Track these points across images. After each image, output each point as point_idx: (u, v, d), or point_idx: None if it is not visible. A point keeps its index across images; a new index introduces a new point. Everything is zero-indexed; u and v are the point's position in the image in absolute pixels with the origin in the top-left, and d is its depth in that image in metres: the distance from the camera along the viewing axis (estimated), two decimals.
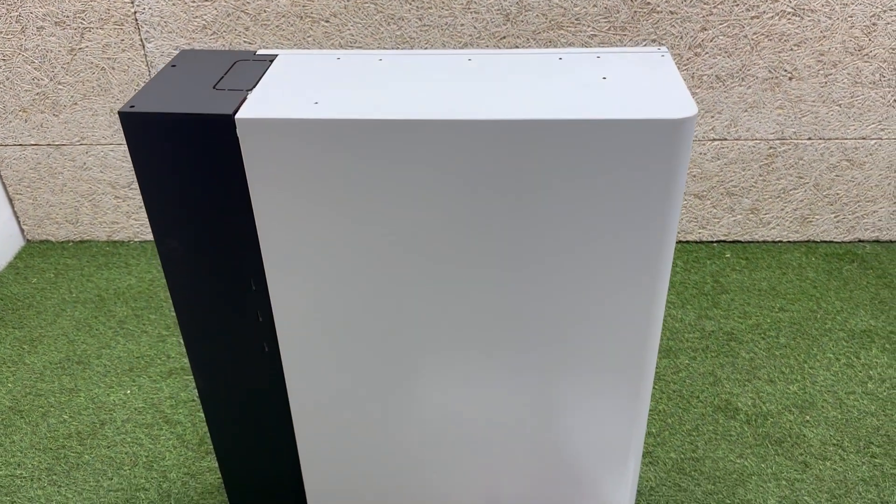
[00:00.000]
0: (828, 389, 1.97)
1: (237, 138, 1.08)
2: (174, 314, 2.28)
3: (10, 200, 2.58)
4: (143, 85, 2.34)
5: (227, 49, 2.27)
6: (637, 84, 1.11)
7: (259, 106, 1.09)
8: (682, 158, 1.06)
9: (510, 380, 1.27)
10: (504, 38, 2.21)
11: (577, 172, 1.06)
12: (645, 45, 2.21)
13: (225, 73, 1.19)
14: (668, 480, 1.76)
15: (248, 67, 1.21)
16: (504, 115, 1.03)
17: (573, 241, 1.12)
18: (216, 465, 1.81)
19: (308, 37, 2.24)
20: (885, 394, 1.95)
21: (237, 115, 1.06)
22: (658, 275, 1.16)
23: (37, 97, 2.38)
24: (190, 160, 1.11)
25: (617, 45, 2.22)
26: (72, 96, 2.37)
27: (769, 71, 2.23)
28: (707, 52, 2.21)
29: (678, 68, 2.23)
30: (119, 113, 1.09)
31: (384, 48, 2.25)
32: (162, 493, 1.76)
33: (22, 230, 2.64)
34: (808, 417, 1.90)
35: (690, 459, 1.80)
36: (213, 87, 1.15)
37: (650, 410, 1.92)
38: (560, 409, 1.30)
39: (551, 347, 1.23)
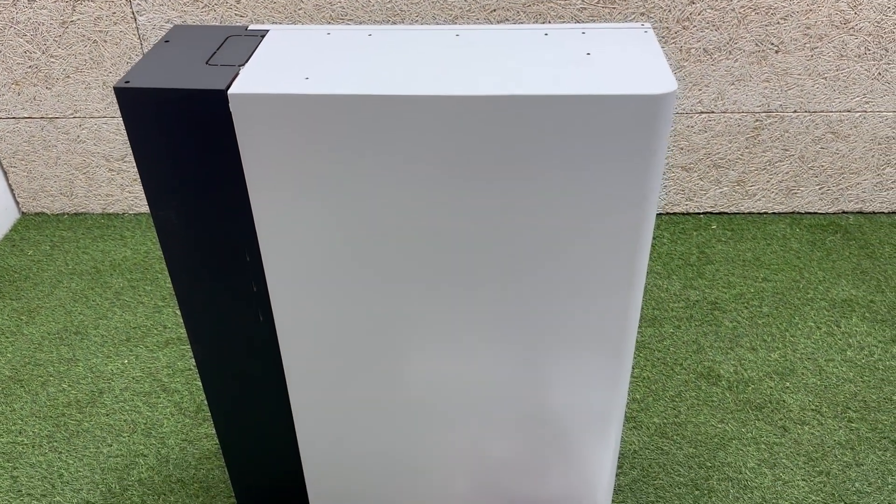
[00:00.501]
0: (808, 357, 2.03)
1: (230, 113, 1.10)
2: (169, 285, 2.32)
3: (5, 173, 2.60)
4: (135, 58, 2.35)
5: (218, 22, 2.28)
6: (620, 60, 1.14)
7: (251, 81, 1.11)
8: (662, 133, 1.09)
9: (495, 347, 1.32)
10: (494, 10, 2.23)
11: (559, 146, 1.09)
12: (631, 21, 2.23)
13: (217, 49, 1.22)
14: (650, 444, 1.81)
15: (240, 43, 1.24)
16: (490, 91, 1.06)
17: (555, 213, 1.16)
18: (213, 431, 1.86)
19: (299, 9, 2.25)
20: (863, 361, 2.01)
21: (230, 91, 1.09)
22: (639, 245, 1.20)
23: (29, 70, 2.39)
24: (184, 134, 1.14)
25: (606, 18, 2.24)
26: (64, 69, 2.38)
27: (756, 44, 2.26)
28: (695, 26, 2.23)
29: (666, 41, 2.26)
30: (114, 88, 1.11)
31: (375, 20, 2.26)
32: (160, 459, 1.81)
33: (17, 202, 2.66)
34: (788, 384, 1.96)
35: (673, 424, 1.86)
36: (206, 63, 1.18)
37: (635, 377, 1.97)
38: (545, 376, 1.35)
39: (536, 317, 1.28)
